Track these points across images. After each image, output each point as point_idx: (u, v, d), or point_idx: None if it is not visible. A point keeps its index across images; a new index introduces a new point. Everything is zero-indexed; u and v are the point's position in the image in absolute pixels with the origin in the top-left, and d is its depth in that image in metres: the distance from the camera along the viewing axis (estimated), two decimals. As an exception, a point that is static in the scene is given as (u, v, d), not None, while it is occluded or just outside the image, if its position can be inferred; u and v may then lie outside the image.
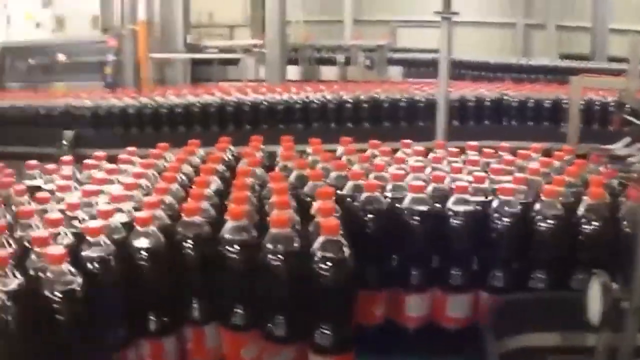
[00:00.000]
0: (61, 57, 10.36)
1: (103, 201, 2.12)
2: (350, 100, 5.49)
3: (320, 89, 5.75)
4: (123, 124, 5.31)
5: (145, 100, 5.41)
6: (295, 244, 1.81)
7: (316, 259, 1.77)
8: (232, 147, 2.95)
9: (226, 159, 2.78)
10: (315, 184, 2.24)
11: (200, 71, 10.34)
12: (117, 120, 5.33)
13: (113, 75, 9.54)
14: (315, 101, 5.47)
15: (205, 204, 2.05)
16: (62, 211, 2.00)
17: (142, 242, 1.86)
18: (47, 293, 1.63)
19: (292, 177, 2.41)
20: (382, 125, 5.45)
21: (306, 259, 1.79)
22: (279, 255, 1.79)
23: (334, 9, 16.49)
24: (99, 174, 2.45)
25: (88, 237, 1.80)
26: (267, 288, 1.82)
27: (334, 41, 12.10)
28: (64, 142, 5.18)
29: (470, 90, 5.82)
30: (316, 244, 1.79)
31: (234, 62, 10.43)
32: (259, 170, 2.53)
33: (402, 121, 5.49)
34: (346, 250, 1.79)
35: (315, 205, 2.03)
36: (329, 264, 1.76)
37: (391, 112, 5.50)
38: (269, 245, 1.80)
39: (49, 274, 1.65)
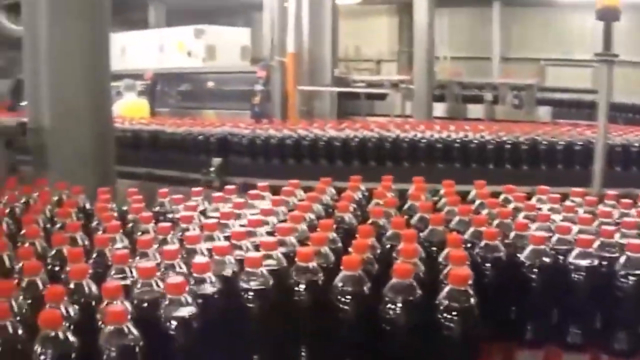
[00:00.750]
0: (210, 85, 10.55)
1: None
2: (493, 141, 5.23)
3: (466, 128, 5.54)
4: (280, 154, 5.32)
5: (303, 132, 5.39)
6: (416, 295, 1.70)
7: (441, 308, 1.67)
8: (362, 186, 2.82)
9: (357, 197, 2.66)
10: (436, 229, 2.12)
11: (347, 105, 10.29)
12: (272, 150, 5.34)
13: (260, 105, 9.63)
14: (458, 140, 5.25)
15: (324, 249, 1.94)
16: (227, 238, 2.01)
17: (251, 283, 1.76)
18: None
19: (415, 219, 2.30)
20: (521, 168, 5.13)
21: (428, 311, 1.68)
22: (397, 306, 1.68)
23: (481, 46, 16.20)
24: (262, 204, 2.44)
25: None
26: (383, 340, 1.72)
27: (482, 79, 11.83)
28: (212, 168, 5.19)
29: (634, 135, 5.44)
30: (443, 294, 1.69)
31: (381, 96, 10.33)
32: (391, 211, 2.39)
33: (552, 164, 5.14)
34: (473, 301, 1.67)
35: (446, 252, 1.92)
36: (455, 314, 1.66)
37: (546, 155, 5.16)
38: (390, 295, 1.69)
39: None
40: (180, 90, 11.30)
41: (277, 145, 5.33)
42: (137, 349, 1.47)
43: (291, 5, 9.80)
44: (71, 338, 1.49)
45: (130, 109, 8.07)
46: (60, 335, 1.48)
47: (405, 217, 2.31)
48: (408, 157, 5.15)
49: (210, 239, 2.03)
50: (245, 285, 1.75)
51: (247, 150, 5.44)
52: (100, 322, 1.57)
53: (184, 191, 2.63)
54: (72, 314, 1.60)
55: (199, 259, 1.79)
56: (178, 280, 1.64)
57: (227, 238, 2.04)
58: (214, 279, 1.74)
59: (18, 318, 1.57)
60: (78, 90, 3.75)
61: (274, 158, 5.32)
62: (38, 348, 1.47)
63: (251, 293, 1.74)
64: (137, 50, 12.24)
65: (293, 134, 5.37)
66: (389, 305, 1.69)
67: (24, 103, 4.04)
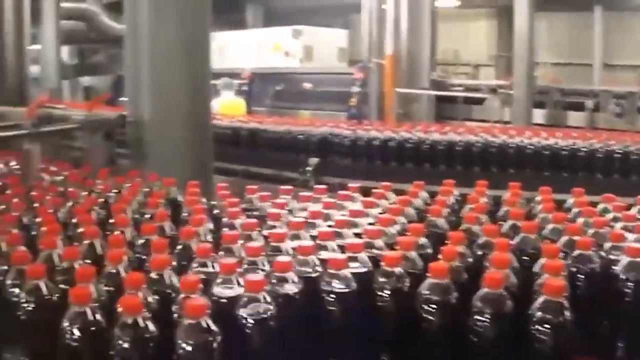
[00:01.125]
0: (307, 86, 10.56)
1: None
2: (600, 149, 4.95)
3: (572, 135, 5.30)
4: (381, 156, 5.27)
5: (406, 135, 5.31)
6: (507, 306, 1.63)
7: (534, 320, 1.59)
8: (456, 191, 2.72)
9: (450, 202, 2.57)
10: (528, 237, 2.02)
11: (445, 109, 10.14)
12: (373, 152, 5.30)
13: (357, 107, 9.59)
14: (564, 148, 5.01)
15: (412, 254, 1.88)
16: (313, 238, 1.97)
17: (333, 285, 1.71)
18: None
19: (507, 226, 2.19)
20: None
21: (519, 322, 1.61)
22: (486, 317, 1.61)
23: (583, 52, 15.71)
24: (352, 205, 2.40)
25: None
26: (470, 352, 1.65)
27: (583, 85, 11.47)
28: (308, 168, 5.18)
29: None
30: (536, 305, 1.61)
31: (479, 101, 10.14)
32: (483, 217, 2.30)
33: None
34: (568, 314, 1.59)
35: (541, 261, 1.82)
36: (549, 327, 1.58)
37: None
38: (479, 306, 1.62)
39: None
40: (276, 90, 11.35)
41: (379, 147, 5.28)
42: (213, 345, 1.45)
43: (389, 7, 9.73)
44: (150, 326, 1.49)
45: (227, 107, 8.16)
46: (140, 321, 1.48)
47: (499, 224, 2.22)
48: (508, 163, 4.97)
49: (296, 237, 2.00)
50: (327, 287, 1.70)
51: (347, 151, 5.42)
52: (177, 315, 1.56)
53: (274, 189, 2.60)
54: (151, 302, 1.60)
55: (281, 258, 1.76)
56: (257, 277, 1.61)
57: (313, 238, 2.00)
58: (295, 278, 1.70)
59: (99, 304, 1.58)
60: (178, 86, 3.79)
61: (375, 160, 5.27)
62: (117, 333, 1.48)
63: (333, 295, 1.70)
64: (235, 49, 12.37)
65: (396, 137, 5.30)
66: (477, 316, 1.61)
67: (123, 98, 4.10)
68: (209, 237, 2.12)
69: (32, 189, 2.79)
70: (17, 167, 3.50)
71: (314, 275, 1.76)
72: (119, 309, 1.50)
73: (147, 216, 2.34)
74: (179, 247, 1.97)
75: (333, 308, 1.70)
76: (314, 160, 5.29)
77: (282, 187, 2.59)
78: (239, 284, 1.65)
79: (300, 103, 10.63)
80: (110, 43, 15.21)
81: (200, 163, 3.85)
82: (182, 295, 1.57)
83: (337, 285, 1.70)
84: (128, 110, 3.74)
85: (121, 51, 15.33)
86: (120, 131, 3.31)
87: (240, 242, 1.94)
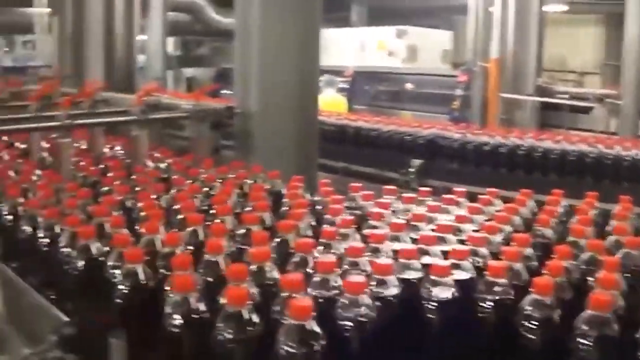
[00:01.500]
0: (409, 87, 10.48)
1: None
2: None
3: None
4: (490, 162, 5.16)
5: (518, 142, 5.18)
6: (614, 330, 1.52)
7: None
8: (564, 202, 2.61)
9: (558, 213, 2.45)
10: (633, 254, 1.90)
11: (549, 116, 9.87)
12: (482, 157, 5.20)
13: (460, 110, 9.46)
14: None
15: (517, 265, 1.79)
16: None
17: (434, 292, 1.65)
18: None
19: (611, 242, 2.06)
20: None
21: (626, 348, 1.52)
22: (591, 341, 1.51)
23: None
24: (457, 210, 2.35)
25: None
26: None
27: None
28: (411, 169, 5.14)
29: None
30: None
31: (585, 110, 9.85)
32: (590, 231, 2.18)
33: None
34: None
35: None
36: None
37: None
38: (583, 328, 1.52)
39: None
40: (378, 89, 11.30)
41: (489, 152, 5.16)
42: (316, 349, 1.41)
43: (496, 9, 9.56)
44: (254, 319, 1.47)
45: (328, 104, 8.17)
46: (245, 314, 1.46)
47: (606, 238, 2.10)
48: (621, 175, 4.74)
49: (397, 239, 1.95)
50: (427, 293, 1.65)
51: (455, 154, 5.33)
52: (278, 313, 1.53)
53: (376, 188, 2.56)
54: (253, 295, 1.58)
55: (382, 260, 1.71)
56: (357, 279, 1.57)
57: (414, 241, 1.95)
58: (395, 282, 1.65)
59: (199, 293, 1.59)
60: (287, 80, 3.79)
61: (482, 165, 5.16)
62: (220, 324, 1.46)
63: (433, 302, 1.65)
64: (338, 47, 12.38)
65: (507, 143, 5.17)
66: (581, 339, 1.52)
67: (225, 90, 4.12)
68: (309, 232, 2.10)
69: (136, 173, 2.83)
70: (121, 151, 3.57)
71: (414, 280, 1.71)
72: (223, 300, 1.48)
73: (249, 208, 2.33)
74: (277, 239, 1.96)
75: (432, 315, 1.65)
76: (416, 162, 5.23)
77: (386, 187, 2.53)
78: (337, 283, 1.61)
79: (402, 103, 10.57)
80: (214, 36, 15.51)
81: (305, 158, 3.86)
82: (285, 294, 1.54)
83: (438, 292, 1.65)
84: (236, 102, 3.76)
85: (224, 44, 15.66)
86: (226, 122, 3.33)
87: (339, 240, 1.91)
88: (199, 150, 3.21)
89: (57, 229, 2.22)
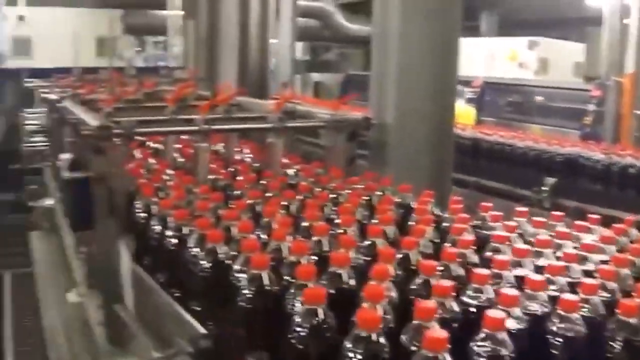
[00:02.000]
0: (539, 100, 10.24)
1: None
2: None
3: None
4: (630, 184, 5.00)
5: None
6: None
7: None
8: None
9: None
10: None
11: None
12: (626, 179, 5.04)
13: (592, 125, 9.16)
14: None
15: None
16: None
17: (561, 328, 1.57)
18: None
19: None
20: None
21: None
22: None
23: None
24: (587, 238, 2.22)
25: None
26: None
27: None
28: (544, 188, 5.02)
29: None
30: None
31: None
32: None
33: None
34: None
35: None
36: None
37: None
38: None
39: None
40: (508, 101, 11.09)
41: (634, 175, 4.98)
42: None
43: (633, 22, 9.19)
44: (384, 344, 1.45)
45: (457, 116, 8.05)
46: (374, 337, 1.44)
47: None
48: None
49: (519, 265, 1.89)
50: (553, 328, 1.57)
51: (595, 174, 5.17)
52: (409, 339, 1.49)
53: (508, 206, 2.48)
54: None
55: (509, 291, 1.63)
56: (497, 315, 1.49)
57: (538, 269, 1.88)
58: (519, 314, 1.59)
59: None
60: (425, 91, 3.76)
61: (624, 188, 4.99)
62: (349, 345, 1.45)
63: (559, 339, 1.57)
64: (467, 57, 12.19)
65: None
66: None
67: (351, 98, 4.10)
68: (429, 250, 2.07)
69: (266, 179, 2.87)
70: (250, 155, 3.63)
71: (539, 313, 1.64)
72: (356, 321, 1.46)
73: (374, 220, 2.32)
74: (399, 255, 1.93)
75: (558, 352, 1.57)
76: (550, 180, 5.10)
77: (518, 207, 2.46)
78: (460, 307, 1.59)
79: (531, 117, 10.32)
80: (342, 42, 15.60)
81: (440, 171, 3.81)
82: (415, 322, 1.49)
83: (564, 328, 1.57)
84: (372, 112, 3.76)
85: (352, 50, 15.69)
86: (362, 133, 3.33)
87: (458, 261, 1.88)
88: (333, 159, 3.22)
89: (186, 230, 2.28)
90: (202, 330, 1.90)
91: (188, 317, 2.01)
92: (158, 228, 2.44)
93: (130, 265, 2.51)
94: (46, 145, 6.72)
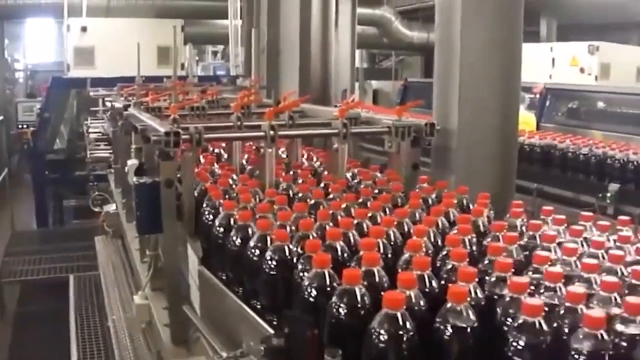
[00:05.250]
0: (601, 105, 10.08)
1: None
2: None
3: None
4: None
5: None
6: None
7: None
8: None
9: None
10: None
11: None
12: None
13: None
14: None
15: None
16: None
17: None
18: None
19: None
20: None
21: None
22: None
23: None
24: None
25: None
26: None
27: None
28: (608, 194, 4.95)
29: None
30: None
31: None
32: None
33: None
34: None
35: None
36: None
37: None
38: None
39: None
40: (569, 106, 10.94)
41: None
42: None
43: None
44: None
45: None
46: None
47: None
48: None
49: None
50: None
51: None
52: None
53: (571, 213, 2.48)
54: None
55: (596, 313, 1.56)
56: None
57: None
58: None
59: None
60: (489, 96, 3.73)
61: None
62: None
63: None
64: (527, 62, 12.06)
65: None
66: None
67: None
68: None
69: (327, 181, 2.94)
70: (310, 159, 3.66)
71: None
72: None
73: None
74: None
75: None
76: (614, 187, 5.03)
77: (583, 212, 2.43)
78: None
79: (592, 122, 10.17)
80: (400, 49, 15.59)
81: (503, 177, 3.77)
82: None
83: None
84: (436, 118, 3.75)
85: (410, 58, 15.62)
86: (426, 139, 3.33)
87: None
88: (397, 165, 3.23)
89: (250, 231, 2.34)
90: (271, 330, 1.92)
91: (257, 317, 2.04)
92: (228, 230, 2.48)
93: (198, 267, 2.55)
94: (109, 153, 6.84)
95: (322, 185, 2.94)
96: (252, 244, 2.23)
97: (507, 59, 3.79)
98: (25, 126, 14.34)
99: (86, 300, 6.15)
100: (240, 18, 9.20)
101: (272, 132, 2.91)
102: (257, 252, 2.19)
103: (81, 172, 10.36)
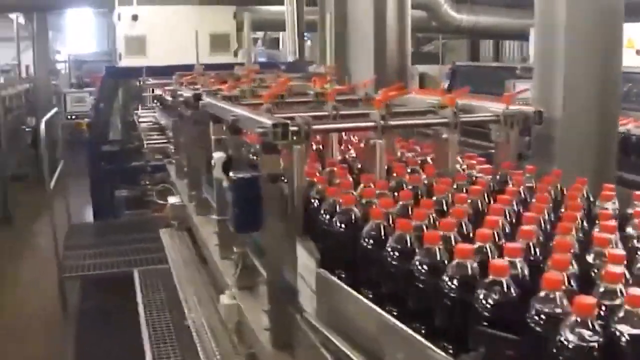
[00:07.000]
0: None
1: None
2: None
3: None
4: None
5: None
6: None
7: None
8: None
9: None
10: None
11: None
12: None
13: None
14: None
15: None
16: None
17: None
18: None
19: None
20: None
21: None
22: None
23: None
24: None
25: None
26: None
27: None
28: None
29: None
30: None
31: None
32: None
33: None
34: None
35: None
36: None
37: None
38: None
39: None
40: (624, 90, 10.67)
41: None
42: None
43: None
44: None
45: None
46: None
47: None
48: None
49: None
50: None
51: None
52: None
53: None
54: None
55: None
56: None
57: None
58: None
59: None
60: (592, 83, 3.61)
61: None
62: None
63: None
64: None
65: None
66: None
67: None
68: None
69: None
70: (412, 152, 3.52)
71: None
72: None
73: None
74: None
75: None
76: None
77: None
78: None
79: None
80: (449, 33, 15.36)
81: (604, 167, 3.66)
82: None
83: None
84: (535, 106, 3.60)
85: (455, 41, 15.46)
86: (532, 127, 3.20)
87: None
88: (503, 155, 3.07)
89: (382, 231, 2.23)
90: (423, 340, 1.75)
91: (408, 329, 1.87)
92: (344, 226, 2.38)
93: (317, 270, 2.39)
94: (165, 143, 6.74)
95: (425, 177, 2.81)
96: (395, 245, 2.08)
97: (609, 44, 3.70)
98: (74, 117, 14.31)
99: (153, 295, 6.04)
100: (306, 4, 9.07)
101: (382, 122, 2.75)
102: (399, 254, 2.03)
103: (137, 162, 10.28)
